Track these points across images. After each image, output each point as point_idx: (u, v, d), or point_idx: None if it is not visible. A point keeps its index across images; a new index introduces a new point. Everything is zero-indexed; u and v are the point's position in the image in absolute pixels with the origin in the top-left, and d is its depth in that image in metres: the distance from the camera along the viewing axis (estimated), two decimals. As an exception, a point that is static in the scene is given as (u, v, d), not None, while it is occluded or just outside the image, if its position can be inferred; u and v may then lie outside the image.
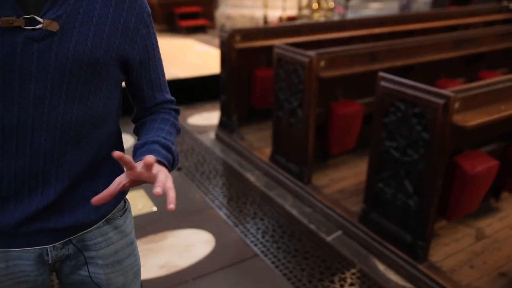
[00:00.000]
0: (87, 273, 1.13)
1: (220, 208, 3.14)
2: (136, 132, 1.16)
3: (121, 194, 1.15)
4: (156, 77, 1.11)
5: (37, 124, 0.93)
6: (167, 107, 1.15)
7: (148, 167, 0.87)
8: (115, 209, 1.14)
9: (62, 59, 0.91)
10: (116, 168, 1.10)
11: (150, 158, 0.86)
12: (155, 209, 3.09)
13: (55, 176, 0.99)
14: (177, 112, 1.18)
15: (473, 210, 2.62)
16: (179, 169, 3.70)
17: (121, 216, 1.16)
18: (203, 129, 4.58)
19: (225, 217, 3.03)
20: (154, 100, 1.13)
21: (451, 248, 2.59)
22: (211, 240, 2.77)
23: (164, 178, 0.87)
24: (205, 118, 4.87)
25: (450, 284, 2.30)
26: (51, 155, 0.97)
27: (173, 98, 1.17)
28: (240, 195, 3.34)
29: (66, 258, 1.10)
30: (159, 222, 2.94)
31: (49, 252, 1.06)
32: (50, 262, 1.08)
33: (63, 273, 1.13)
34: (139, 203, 3.15)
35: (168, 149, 1.02)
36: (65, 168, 0.99)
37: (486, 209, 2.94)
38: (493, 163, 2.46)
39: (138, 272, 1.25)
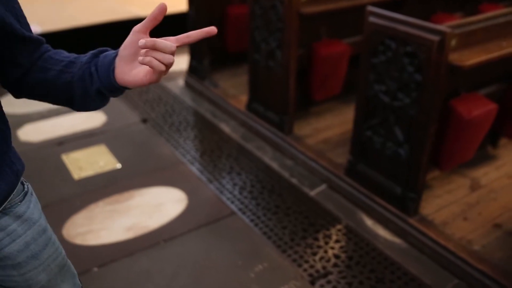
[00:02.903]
0: None
1: (192, 163, 3.12)
2: (33, 88, 1.02)
3: (15, 176, 1.04)
4: (24, 18, 1.00)
5: None
6: (46, 49, 1.04)
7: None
8: (11, 196, 1.03)
9: None
10: (2, 147, 1.00)
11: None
12: (119, 166, 3.05)
13: None
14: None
15: (469, 158, 2.66)
16: (144, 121, 3.64)
17: (21, 201, 1.06)
18: (170, 76, 4.48)
19: (198, 173, 3.02)
20: (37, 49, 1.02)
21: (443, 200, 2.65)
22: (183, 198, 2.77)
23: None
24: (173, 63, 4.76)
25: (442, 238, 2.36)
26: None
27: (42, 38, 1.06)
28: (214, 148, 3.32)
29: None
30: (124, 181, 2.91)
31: None
32: None
33: None
34: (100, 160, 3.10)
35: None
36: None
37: (482, 157, 2.99)
38: (492, 106, 2.47)
39: (63, 264, 1.16)
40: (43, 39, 1.05)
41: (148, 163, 3.12)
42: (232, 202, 2.74)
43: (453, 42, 2.24)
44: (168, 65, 0.86)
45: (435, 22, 2.58)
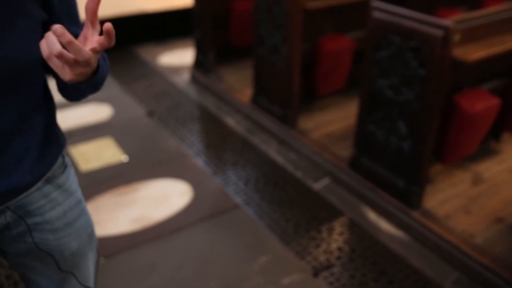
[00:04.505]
0: (31, 240, 1.09)
1: (197, 156, 3.13)
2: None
3: (59, 148, 1.11)
4: (75, 13, 1.05)
5: None
6: None
7: (109, 34, 0.78)
8: (55, 166, 1.10)
9: None
10: (49, 120, 1.06)
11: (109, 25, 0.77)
12: (125, 158, 3.06)
13: None
14: None
15: (471, 152, 2.65)
16: (150, 114, 3.65)
17: (62, 173, 1.13)
18: (176, 70, 4.48)
19: (203, 166, 3.02)
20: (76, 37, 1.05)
21: (446, 194, 2.64)
22: (188, 191, 2.78)
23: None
24: (178, 57, 4.75)
25: (444, 231, 2.36)
26: None
27: None
28: (219, 141, 3.32)
29: (5, 227, 1.06)
30: (130, 173, 2.92)
31: None
32: None
33: (5, 244, 1.10)
34: (107, 152, 3.11)
35: (102, 56, 0.97)
36: None
37: (485, 152, 2.98)
38: (495, 101, 2.46)
39: (92, 234, 1.23)
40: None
41: (154, 155, 3.12)
42: (237, 195, 2.75)
43: (457, 37, 2.23)
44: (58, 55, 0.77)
45: (439, 17, 2.56)
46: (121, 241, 2.38)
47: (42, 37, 0.96)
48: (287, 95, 3.21)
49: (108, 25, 0.76)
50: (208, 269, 2.24)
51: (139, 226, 2.48)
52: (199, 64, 4.19)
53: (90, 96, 1.10)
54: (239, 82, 3.95)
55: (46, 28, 0.98)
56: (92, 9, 0.77)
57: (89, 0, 0.76)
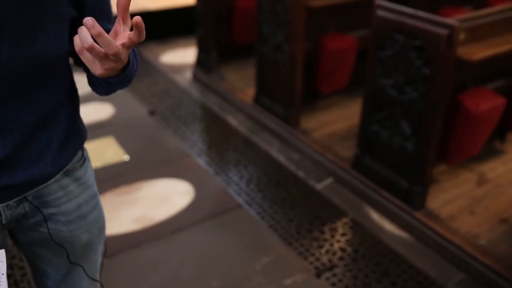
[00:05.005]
0: (46, 231, 1.11)
1: (199, 156, 3.12)
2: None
3: (80, 141, 1.13)
4: (107, 8, 1.06)
5: None
6: None
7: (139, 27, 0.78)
8: (74, 159, 1.12)
9: None
10: (72, 114, 1.07)
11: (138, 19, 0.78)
12: (127, 158, 3.05)
13: (3, 130, 0.94)
14: None
15: (476, 152, 2.64)
16: (152, 113, 3.64)
17: (81, 166, 1.15)
18: (178, 69, 4.48)
19: (205, 165, 3.01)
20: None
21: (450, 194, 2.63)
22: (190, 190, 2.77)
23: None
24: (180, 56, 4.75)
25: (448, 232, 2.35)
26: None
27: None
28: (221, 141, 3.32)
29: (22, 216, 1.08)
30: (132, 172, 2.91)
31: (2, 212, 1.03)
32: (4, 222, 1.05)
33: (19, 232, 1.12)
34: (109, 151, 3.11)
35: (133, 51, 0.98)
36: (15, 120, 0.95)
37: (489, 152, 2.97)
38: (500, 101, 2.45)
39: (103, 227, 1.25)
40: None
41: (156, 155, 3.12)
42: (239, 195, 2.74)
43: (462, 36, 2.22)
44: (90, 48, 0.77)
45: (444, 16, 2.55)
46: (123, 240, 2.38)
47: (69, 33, 0.98)
48: (289, 94, 3.21)
49: (137, 19, 0.76)
50: (210, 269, 2.23)
51: (141, 226, 2.48)
52: (201, 63, 4.18)
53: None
54: (241, 81, 3.95)
55: (76, 24, 0.99)
56: (124, 4, 0.77)
57: None
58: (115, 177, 2.85)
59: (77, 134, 1.12)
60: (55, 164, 1.05)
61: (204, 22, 4.01)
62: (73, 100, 1.10)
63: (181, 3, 5.34)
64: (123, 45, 0.79)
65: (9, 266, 2.16)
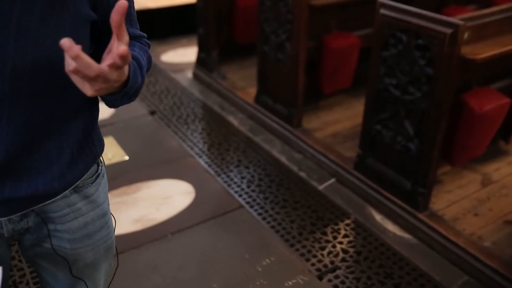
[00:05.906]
0: (49, 246, 1.08)
1: (200, 156, 3.12)
2: None
3: (93, 158, 1.07)
4: (128, 11, 1.01)
5: None
6: (140, 41, 1.08)
7: (122, 57, 0.73)
8: (86, 175, 1.07)
9: None
10: (88, 126, 1.03)
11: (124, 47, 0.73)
12: (127, 158, 3.05)
13: (6, 135, 0.88)
14: (149, 46, 1.12)
15: (480, 153, 2.64)
16: (152, 113, 3.64)
17: (92, 183, 1.10)
18: (178, 68, 4.48)
19: (205, 166, 3.01)
20: None
21: (454, 195, 2.62)
22: (191, 191, 2.77)
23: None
24: (181, 55, 4.75)
25: (452, 233, 2.34)
26: None
27: (144, 34, 1.11)
28: (222, 141, 3.31)
29: (26, 231, 1.05)
30: (132, 173, 2.91)
31: (3, 225, 1.01)
32: (6, 235, 1.03)
33: (23, 246, 1.10)
34: (109, 152, 3.11)
35: (139, 65, 0.94)
36: (20, 125, 0.89)
37: (494, 152, 2.96)
38: (504, 101, 2.44)
39: (110, 246, 1.21)
40: (144, 35, 1.10)
41: (156, 155, 3.12)
42: (240, 196, 2.74)
43: (466, 35, 2.21)
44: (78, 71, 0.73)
45: (448, 15, 2.55)
46: (123, 241, 2.38)
47: (88, 35, 0.94)
48: (291, 94, 3.20)
49: (123, 50, 0.72)
50: (211, 270, 2.23)
51: (141, 226, 2.48)
52: (202, 62, 4.18)
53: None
54: (243, 81, 3.95)
55: (98, 28, 0.96)
56: (117, 21, 0.72)
57: (113, 11, 0.72)
58: (115, 178, 2.85)
59: (91, 149, 1.06)
60: (62, 179, 1.00)
61: (205, 21, 4.01)
62: (90, 112, 1.05)
63: (181, 1, 5.34)
64: (111, 65, 0.74)
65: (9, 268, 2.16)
